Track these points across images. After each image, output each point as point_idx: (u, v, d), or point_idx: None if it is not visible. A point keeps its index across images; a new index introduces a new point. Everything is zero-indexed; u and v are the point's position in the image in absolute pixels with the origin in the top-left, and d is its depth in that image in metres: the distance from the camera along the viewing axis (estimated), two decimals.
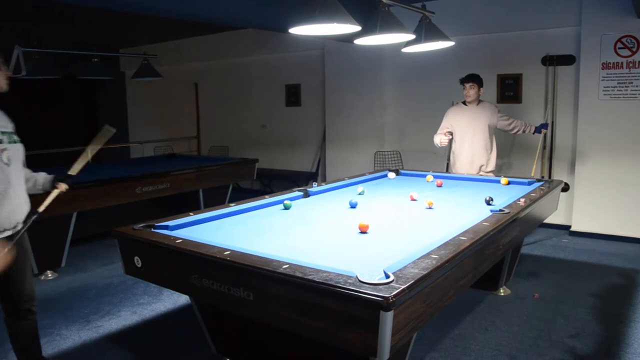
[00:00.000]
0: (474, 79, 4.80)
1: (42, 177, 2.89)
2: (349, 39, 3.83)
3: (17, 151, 2.66)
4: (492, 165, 4.94)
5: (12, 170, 2.59)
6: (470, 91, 4.81)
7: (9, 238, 2.56)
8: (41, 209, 2.76)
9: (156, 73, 7.29)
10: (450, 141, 4.99)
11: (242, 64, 8.83)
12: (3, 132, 2.60)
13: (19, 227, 2.64)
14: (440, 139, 4.90)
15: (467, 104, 4.92)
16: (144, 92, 10.47)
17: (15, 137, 2.68)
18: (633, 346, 3.13)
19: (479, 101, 4.91)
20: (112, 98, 10.83)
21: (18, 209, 2.64)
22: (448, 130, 4.94)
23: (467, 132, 4.87)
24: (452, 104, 5.07)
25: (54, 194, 2.86)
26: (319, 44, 7.48)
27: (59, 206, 4.34)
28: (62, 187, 2.88)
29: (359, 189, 3.95)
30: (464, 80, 4.86)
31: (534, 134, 5.03)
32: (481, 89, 4.86)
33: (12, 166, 2.59)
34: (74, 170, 3.03)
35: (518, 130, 4.98)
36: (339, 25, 2.80)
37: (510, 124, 4.93)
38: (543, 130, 5.01)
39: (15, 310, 2.72)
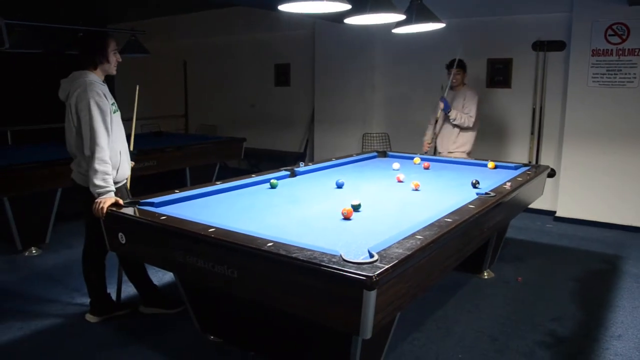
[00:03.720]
0: (458, 65, 4.93)
1: None
2: (339, 18, 3.78)
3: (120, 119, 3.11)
4: (459, 146, 5.02)
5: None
6: (457, 76, 4.97)
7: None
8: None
9: (144, 50, 7.17)
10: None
11: (231, 43, 8.71)
12: (114, 104, 3.03)
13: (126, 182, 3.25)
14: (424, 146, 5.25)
15: (452, 88, 5.06)
16: (131, 68, 10.29)
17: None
18: (611, 329, 3.19)
19: (463, 84, 5.06)
20: None
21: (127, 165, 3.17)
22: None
23: (441, 115, 5.06)
24: (442, 88, 5.08)
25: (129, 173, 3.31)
26: (309, 24, 7.40)
27: (43, 182, 4.36)
28: (132, 164, 3.31)
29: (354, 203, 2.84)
30: (449, 66, 5.00)
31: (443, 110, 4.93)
32: (464, 74, 5.03)
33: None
34: (131, 145, 3.40)
35: (455, 120, 4.89)
36: (329, 2, 2.77)
37: (458, 114, 4.87)
38: (441, 103, 4.90)
39: None
